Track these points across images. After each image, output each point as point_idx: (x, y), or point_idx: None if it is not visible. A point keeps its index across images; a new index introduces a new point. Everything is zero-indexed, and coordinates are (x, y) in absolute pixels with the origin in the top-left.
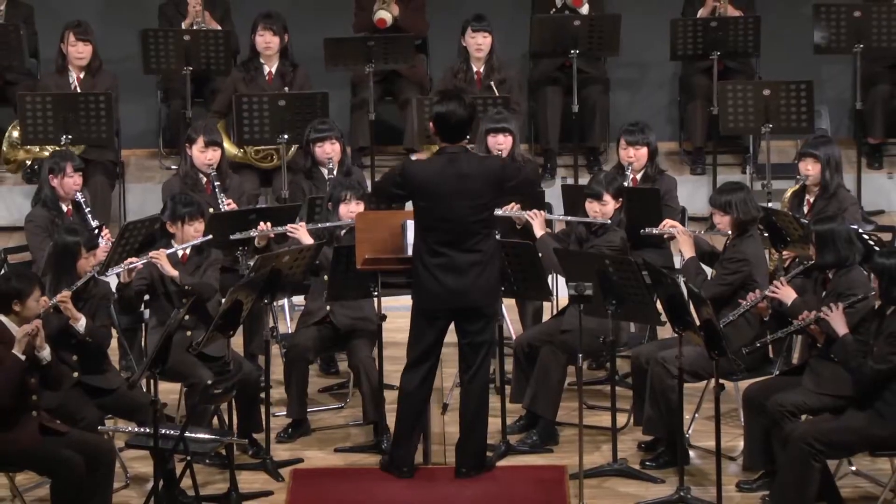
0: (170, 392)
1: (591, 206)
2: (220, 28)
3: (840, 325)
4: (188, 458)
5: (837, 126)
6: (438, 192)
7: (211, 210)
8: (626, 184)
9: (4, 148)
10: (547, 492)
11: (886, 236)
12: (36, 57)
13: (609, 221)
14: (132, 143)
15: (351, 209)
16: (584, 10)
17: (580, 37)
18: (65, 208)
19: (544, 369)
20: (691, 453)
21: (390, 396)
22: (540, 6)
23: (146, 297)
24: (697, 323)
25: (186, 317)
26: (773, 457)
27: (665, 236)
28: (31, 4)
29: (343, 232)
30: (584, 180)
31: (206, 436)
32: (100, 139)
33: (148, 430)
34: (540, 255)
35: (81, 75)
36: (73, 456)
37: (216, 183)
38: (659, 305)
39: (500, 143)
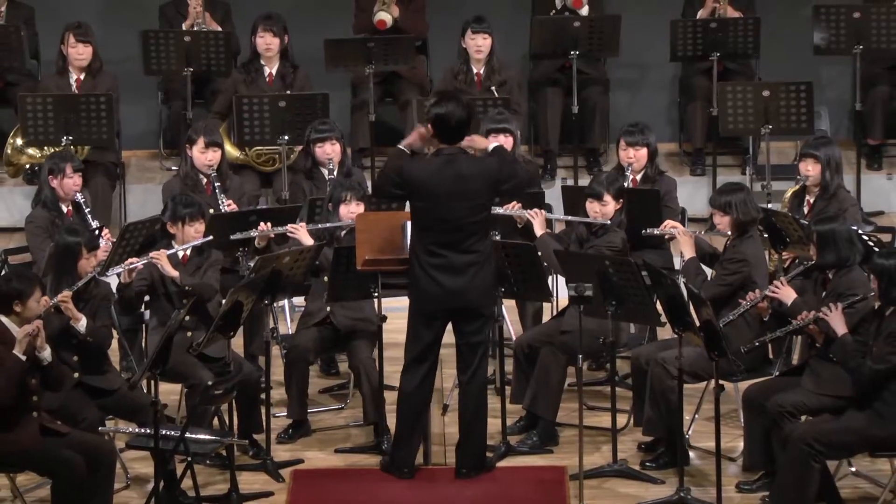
0: (170, 393)
1: (592, 207)
2: (220, 29)
3: (839, 326)
4: (189, 458)
5: (837, 127)
6: (436, 192)
7: (211, 211)
8: (625, 185)
9: (8, 151)
10: (547, 492)
11: (886, 237)
12: (37, 58)
13: (609, 222)
14: (133, 144)
15: (351, 210)
16: (584, 11)
17: (580, 38)
18: (65, 209)
19: (544, 370)
20: (691, 454)
21: (391, 397)
22: (540, 7)
23: (147, 297)
24: (697, 324)
25: (187, 317)
26: (772, 457)
27: (666, 237)
28: (31, 6)
29: (343, 233)
30: (584, 181)
31: (207, 437)
32: (100, 140)
33: (148, 431)
34: (539, 253)
35: (82, 76)
36: (74, 456)
37: (216, 184)
38: (659, 306)
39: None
